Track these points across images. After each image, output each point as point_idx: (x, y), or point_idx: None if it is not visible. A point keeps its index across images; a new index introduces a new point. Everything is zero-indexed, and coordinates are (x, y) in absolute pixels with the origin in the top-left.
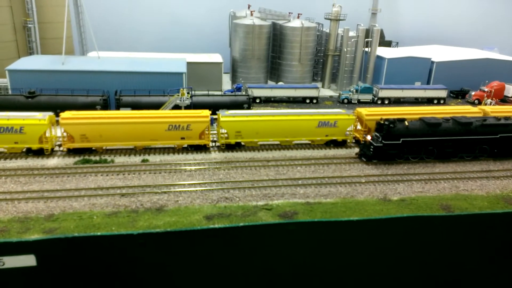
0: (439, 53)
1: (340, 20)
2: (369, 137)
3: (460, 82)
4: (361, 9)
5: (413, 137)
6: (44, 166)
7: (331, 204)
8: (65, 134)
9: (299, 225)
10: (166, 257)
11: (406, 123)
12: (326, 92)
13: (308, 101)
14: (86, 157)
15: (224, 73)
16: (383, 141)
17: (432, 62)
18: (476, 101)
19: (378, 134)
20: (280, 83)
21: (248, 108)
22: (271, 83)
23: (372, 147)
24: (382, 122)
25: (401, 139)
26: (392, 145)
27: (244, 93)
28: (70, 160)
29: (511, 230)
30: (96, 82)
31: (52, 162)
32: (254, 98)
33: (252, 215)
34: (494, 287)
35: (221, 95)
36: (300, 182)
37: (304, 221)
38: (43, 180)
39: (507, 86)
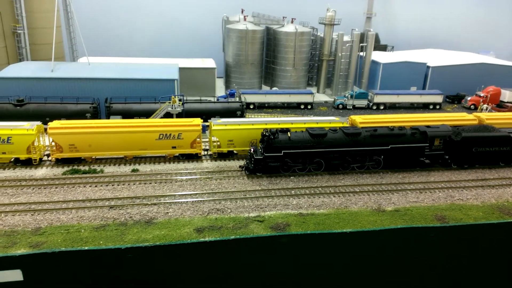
0: (435, 57)
1: (334, 24)
2: (252, 149)
3: (456, 87)
4: (356, 14)
5: (296, 149)
6: (32, 177)
7: (324, 215)
8: (53, 144)
9: (291, 238)
10: (154, 271)
11: (289, 134)
12: (321, 97)
13: (302, 106)
14: (75, 167)
15: (218, 77)
16: (264, 153)
17: (428, 67)
18: (472, 106)
19: (261, 146)
20: (275, 88)
21: (241, 115)
22: (265, 88)
23: (253, 159)
24: (264, 133)
25: (283, 151)
26: (274, 157)
27: (237, 99)
28: (58, 170)
29: (506, 241)
30: (86, 90)
31: (40, 172)
32: (248, 104)
33: (244, 227)
34: None
35: (214, 102)
36: (293, 192)
37: (296, 233)
38: (31, 192)
39: (503, 91)
